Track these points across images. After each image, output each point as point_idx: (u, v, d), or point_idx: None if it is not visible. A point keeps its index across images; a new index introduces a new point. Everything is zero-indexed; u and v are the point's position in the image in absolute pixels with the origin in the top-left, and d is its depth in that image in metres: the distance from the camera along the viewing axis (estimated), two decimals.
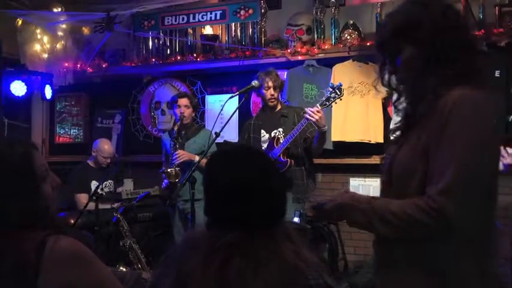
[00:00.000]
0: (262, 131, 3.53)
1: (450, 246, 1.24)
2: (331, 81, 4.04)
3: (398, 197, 1.28)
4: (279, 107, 3.55)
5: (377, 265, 1.40)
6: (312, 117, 3.12)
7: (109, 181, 4.24)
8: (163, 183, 3.85)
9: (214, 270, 1.03)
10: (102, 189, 4.03)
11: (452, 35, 1.28)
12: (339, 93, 3.19)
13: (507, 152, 2.75)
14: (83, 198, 3.95)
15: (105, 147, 4.30)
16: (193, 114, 4.03)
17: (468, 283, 1.25)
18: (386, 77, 1.38)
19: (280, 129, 3.46)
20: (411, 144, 1.29)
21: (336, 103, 3.26)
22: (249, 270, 1.02)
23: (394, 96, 1.44)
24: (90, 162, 4.33)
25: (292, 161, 3.36)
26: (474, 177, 1.20)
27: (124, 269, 2.87)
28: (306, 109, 3.20)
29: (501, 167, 2.71)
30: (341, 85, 3.22)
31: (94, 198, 3.46)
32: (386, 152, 1.46)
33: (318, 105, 3.20)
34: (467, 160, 1.19)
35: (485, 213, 1.26)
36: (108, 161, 4.28)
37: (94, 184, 4.09)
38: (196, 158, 3.67)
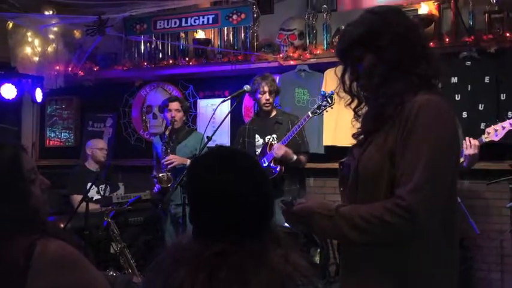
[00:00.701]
0: (257, 136, 3.54)
1: (415, 249, 1.27)
2: (323, 87, 4.07)
3: (365, 199, 1.30)
4: (274, 112, 3.56)
5: (343, 270, 1.42)
6: (277, 153, 3.29)
7: (107, 185, 4.23)
8: (155, 188, 3.84)
9: (201, 283, 1.00)
10: (98, 193, 4.02)
11: (410, 43, 1.34)
12: (330, 101, 3.25)
13: (470, 143, 2.84)
14: (79, 199, 3.92)
15: (98, 140, 4.43)
16: (185, 118, 4.02)
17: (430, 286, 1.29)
18: (347, 83, 1.44)
19: (274, 136, 3.47)
20: (377, 147, 1.32)
21: (327, 111, 3.34)
22: (236, 282, 0.99)
23: (354, 103, 1.47)
24: (87, 164, 4.33)
25: (283, 167, 3.38)
26: (440, 178, 1.24)
27: (114, 274, 2.85)
28: (274, 146, 3.35)
29: (462, 158, 2.81)
30: (333, 93, 3.25)
31: (85, 200, 3.43)
32: (347, 156, 1.48)
33: (309, 113, 3.28)
34: (434, 162, 1.23)
35: (448, 216, 1.30)
36: (105, 152, 4.30)
37: (92, 188, 4.05)
38: (188, 162, 3.66)
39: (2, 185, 1.25)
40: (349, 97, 1.47)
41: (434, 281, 1.29)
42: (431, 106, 1.27)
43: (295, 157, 3.37)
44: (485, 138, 2.93)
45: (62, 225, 3.41)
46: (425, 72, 1.33)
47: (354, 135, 1.48)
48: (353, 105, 1.47)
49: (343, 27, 4.16)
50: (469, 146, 2.83)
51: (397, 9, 1.44)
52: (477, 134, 3.03)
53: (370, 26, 1.35)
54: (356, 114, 1.48)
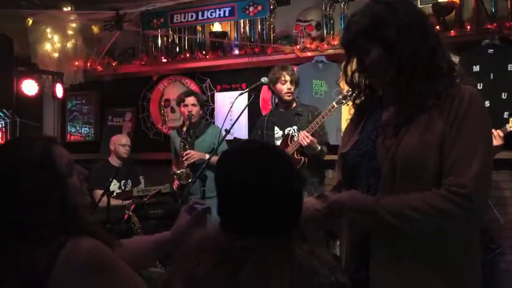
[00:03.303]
0: (276, 128, 3.52)
1: (464, 237, 1.28)
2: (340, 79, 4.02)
3: (406, 185, 1.26)
4: (294, 104, 3.53)
5: (378, 261, 1.32)
6: (303, 142, 3.23)
7: (128, 180, 4.28)
8: (175, 184, 3.86)
9: (226, 276, 0.99)
10: (120, 188, 4.06)
11: (422, 32, 1.32)
12: None
13: (495, 134, 2.90)
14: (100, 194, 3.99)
15: (121, 136, 4.50)
16: (202, 112, 4.02)
17: (472, 274, 1.30)
18: (349, 74, 1.44)
19: (295, 127, 3.44)
20: (417, 137, 1.27)
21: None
22: (260, 276, 0.98)
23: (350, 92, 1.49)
24: (111, 159, 4.38)
25: (306, 158, 3.36)
26: (491, 169, 1.29)
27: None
28: (300, 134, 3.30)
29: None
30: None
31: (106, 194, 3.48)
32: (353, 147, 1.42)
33: (334, 103, 3.23)
34: (489, 153, 1.27)
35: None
36: (127, 148, 4.35)
37: (114, 183, 4.11)
38: (207, 157, 3.67)
39: (37, 185, 1.17)
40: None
41: (471, 268, 1.31)
42: (479, 98, 1.30)
43: (319, 147, 3.34)
44: (509, 127, 2.90)
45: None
46: (448, 61, 1.33)
47: (360, 122, 1.45)
48: (354, 96, 1.47)
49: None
50: (495, 137, 2.82)
51: None
52: (500, 123, 2.98)
53: (377, 16, 1.32)
54: (353, 103, 1.48)
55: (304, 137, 3.25)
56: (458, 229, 1.26)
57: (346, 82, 1.46)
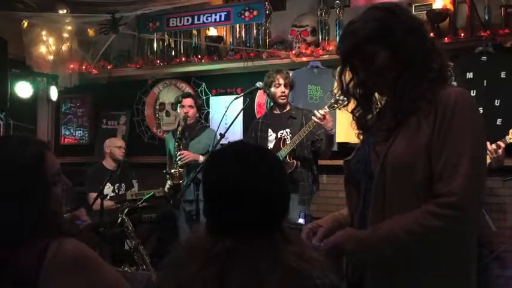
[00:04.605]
0: (270, 130, 3.52)
1: (467, 241, 1.29)
2: (335, 85, 4.04)
3: (396, 196, 1.27)
4: (288, 107, 3.54)
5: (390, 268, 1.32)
6: (320, 119, 3.14)
7: (122, 184, 4.26)
8: (167, 184, 3.86)
9: (212, 279, 0.99)
10: (114, 191, 4.05)
11: (421, 36, 1.34)
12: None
13: (496, 147, 2.97)
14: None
15: (116, 139, 4.51)
16: (197, 115, 4.03)
17: (466, 276, 1.31)
18: (345, 83, 1.44)
19: (288, 130, 3.45)
20: (407, 141, 1.28)
21: (344, 106, 3.26)
22: (250, 281, 0.98)
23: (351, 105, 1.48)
24: (105, 163, 4.36)
25: (299, 162, 3.36)
26: (483, 173, 1.27)
27: (130, 270, 2.87)
28: (314, 111, 3.21)
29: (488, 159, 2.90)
30: None
31: (100, 197, 3.47)
32: (354, 154, 1.45)
33: (326, 107, 3.22)
34: (478, 157, 1.25)
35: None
36: (123, 151, 4.34)
37: (108, 186, 4.09)
38: (201, 159, 3.67)
39: (24, 188, 1.17)
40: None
41: (466, 275, 1.30)
42: (467, 98, 1.29)
43: (334, 130, 3.30)
44: (509, 139, 2.96)
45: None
46: (441, 65, 1.33)
47: (365, 132, 1.46)
48: (350, 106, 1.47)
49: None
50: (494, 152, 2.89)
51: (400, 4, 1.43)
52: (494, 130, 3.00)
53: (382, 20, 1.33)
54: (354, 116, 1.48)
55: (322, 114, 3.14)
56: (454, 235, 1.26)
57: (341, 91, 1.46)
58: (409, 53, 1.31)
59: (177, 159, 3.73)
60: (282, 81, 3.40)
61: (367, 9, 1.39)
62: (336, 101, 3.21)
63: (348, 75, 1.44)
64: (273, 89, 3.43)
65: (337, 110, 3.43)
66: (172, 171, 3.75)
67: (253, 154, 1.11)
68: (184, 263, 1.05)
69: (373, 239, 1.26)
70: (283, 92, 3.42)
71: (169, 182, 3.79)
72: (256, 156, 1.10)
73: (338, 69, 1.46)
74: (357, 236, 1.31)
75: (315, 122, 3.18)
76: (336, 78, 1.46)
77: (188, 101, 3.87)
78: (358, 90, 1.45)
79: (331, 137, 3.28)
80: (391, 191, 1.28)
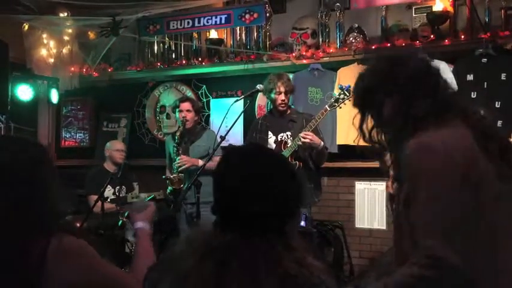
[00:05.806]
0: (270, 132, 3.52)
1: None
2: (336, 85, 4.05)
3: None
4: (288, 111, 3.54)
5: None
6: (305, 140, 3.20)
7: (123, 186, 4.26)
8: (167, 188, 3.85)
9: (210, 273, 1.00)
10: (114, 194, 4.04)
11: (424, 81, 1.38)
12: (348, 94, 3.23)
13: None
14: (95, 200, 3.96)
15: (116, 142, 4.50)
16: (197, 118, 4.01)
17: None
18: (367, 132, 1.48)
19: (288, 133, 3.45)
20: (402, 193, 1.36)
21: (345, 104, 3.28)
22: (248, 279, 0.98)
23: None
24: (106, 165, 4.36)
25: (301, 163, 3.36)
26: (445, 217, 1.24)
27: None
28: (298, 136, 3.27)
29: None
30: (350, 87, 3.23)
31: (100, 200, 3.47)
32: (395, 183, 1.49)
33: (327, 106, 3.23)
34: (432, 205, 1.25)
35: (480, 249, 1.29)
36: (123, 154, 4.32)
37: (109, 189, 4.09)
38: (200, 163, 3.66)
39: (22, 186, 1.21)
40: None
41: None
42: (416, 151, 1.29)
43: (322, 143, 3.31)
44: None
45: (78, 225, 3.45)
46: (428, 109, 1.35)
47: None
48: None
49: (356, 25, 4.15)
50: None
51: (402, 52, 1.54)
52: None
53: (385, 72, 1.41)
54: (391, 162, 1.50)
55: (304, 136, 3.22)
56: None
57: (365, 141, 1.49)
58: (409, 100, 1.36)
59: (176, 165, 3.72)
60: (282, 89, 3.39)
61: (373, 60, 1.48)
62: (337, 100, 3.22)
63: (370, 123, 1.48)
64: (273, 96, 3.43)
65: (337, 110, 3.44)
66: (171, 176, 3.74)
67: (260, 156, 1.14)
68: (184, 255, 1.06)
69: None
70: (283, 100, 3.43)
71: (169, 188, 3.78)
72: (264, 157, 1.14)
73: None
74: None
75: (303, 143, 3.24)
76: (357, 129, 1.49)
77: (186, 106, 3.85)
78: (381, 136, 1.49)
79: (321, 150, 3.33)
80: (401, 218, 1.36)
